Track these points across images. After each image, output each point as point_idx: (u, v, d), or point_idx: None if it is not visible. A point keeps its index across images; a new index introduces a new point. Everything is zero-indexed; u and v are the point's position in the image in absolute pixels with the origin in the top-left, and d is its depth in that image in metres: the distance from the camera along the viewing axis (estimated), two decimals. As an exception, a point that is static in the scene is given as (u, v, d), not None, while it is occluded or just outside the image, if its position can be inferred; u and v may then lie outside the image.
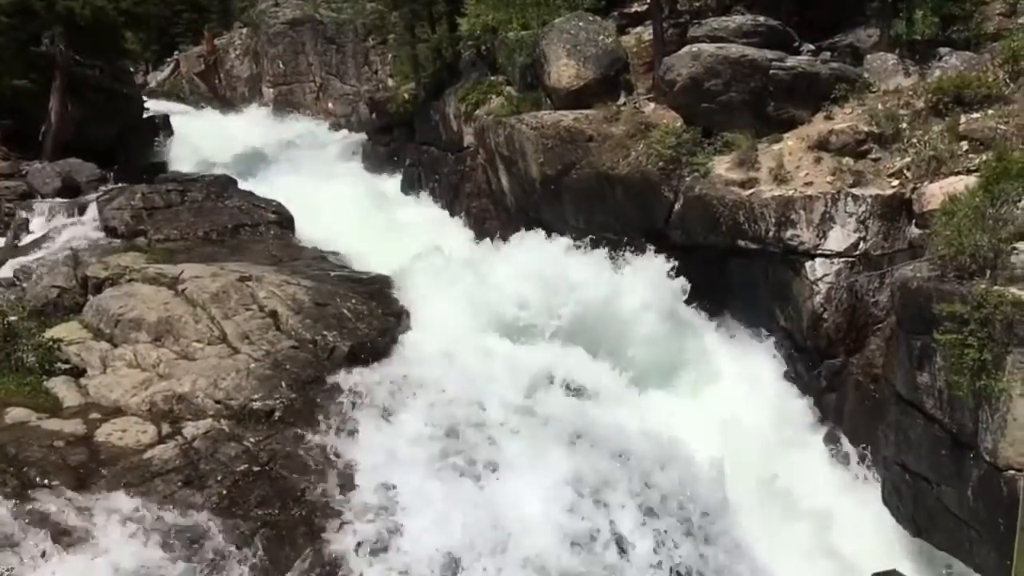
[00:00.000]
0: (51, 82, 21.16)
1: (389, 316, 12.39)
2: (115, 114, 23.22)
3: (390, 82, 30.19)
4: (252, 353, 10.97)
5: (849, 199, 11.98)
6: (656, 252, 14.18)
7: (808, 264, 12.12)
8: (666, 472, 10.76)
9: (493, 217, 19.19)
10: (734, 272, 13.46)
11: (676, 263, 13.83)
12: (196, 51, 38.60)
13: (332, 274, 13.90)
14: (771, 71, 13.53)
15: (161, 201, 16.54)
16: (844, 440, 12.03)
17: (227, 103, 36.62)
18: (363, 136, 28.23)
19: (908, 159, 12.22)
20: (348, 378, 10.95)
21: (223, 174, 21.22)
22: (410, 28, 23.95)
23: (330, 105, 34.38)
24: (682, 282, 13.73)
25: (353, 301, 12.32)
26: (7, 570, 7.87)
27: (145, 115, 26.76)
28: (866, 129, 12.74)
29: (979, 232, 9.45)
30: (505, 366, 12.08)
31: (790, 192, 12.39)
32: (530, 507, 9.79)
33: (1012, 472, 8.84)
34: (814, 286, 12.04)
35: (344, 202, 20.51)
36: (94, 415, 10.04)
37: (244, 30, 37.95)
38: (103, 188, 18.56)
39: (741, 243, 12.83)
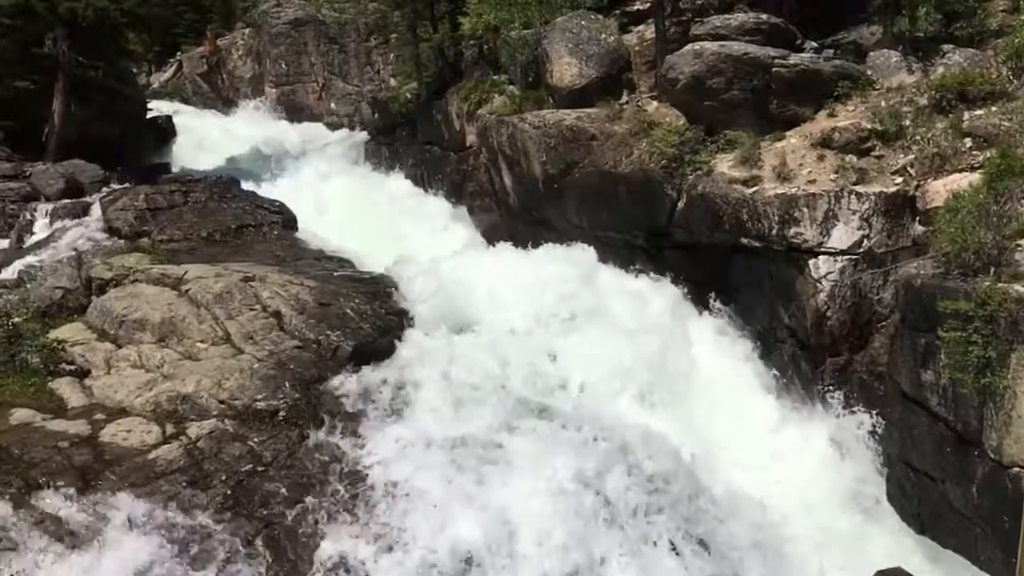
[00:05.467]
0: (54, 83, 21.22)
1: (392, 315, 12.39)
2: (118, 115, 23.27)
3: (392, 82, 30.23)
4: (256, 353, 10.98)
5: (852, 197, 11.96)
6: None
7: (812, 262, 12.10)
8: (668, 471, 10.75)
9: (495, 216, 19.20)
10: (737, 270, 13.44)
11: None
12: (198, 52, 38.60)
13: (335, 274, 13.90)
14: (774, 69, 13.51)
15: (164, 202, 16.55)
16: (847, 437, 12.00)
17: (230, 103, 36.64)
18: (365, 136, 28.26)
19: (911, 156, 12.21)
20: (352, 378, 10.94)
21: (226, 174, 21.25)
22: (412, 28, 23.98)
23: (332, 105, 34.39)
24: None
25: (356, 301, 12.32)
26: (14, 572, 7.88)
27: (148, 116, 26.82)
28: (869, 126, 12.73)
29: (983, 229, 9.44)
30: (511, 366, 12.07)
31: (793, 190, 12.38)
32: (538, 508, 9.73)
33: (1017, 469, 8.83)
34: (818, 284, 12.02)
35: (346, 201, 20.59)
36: (99, 416, 10.06)
37: (246, 30, 37.94)
38: (106, 189, 18.58)
39: (744, 241, 12.82)
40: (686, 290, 14.17)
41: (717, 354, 13.45)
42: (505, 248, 16.60)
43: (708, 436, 12.00)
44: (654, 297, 14.20)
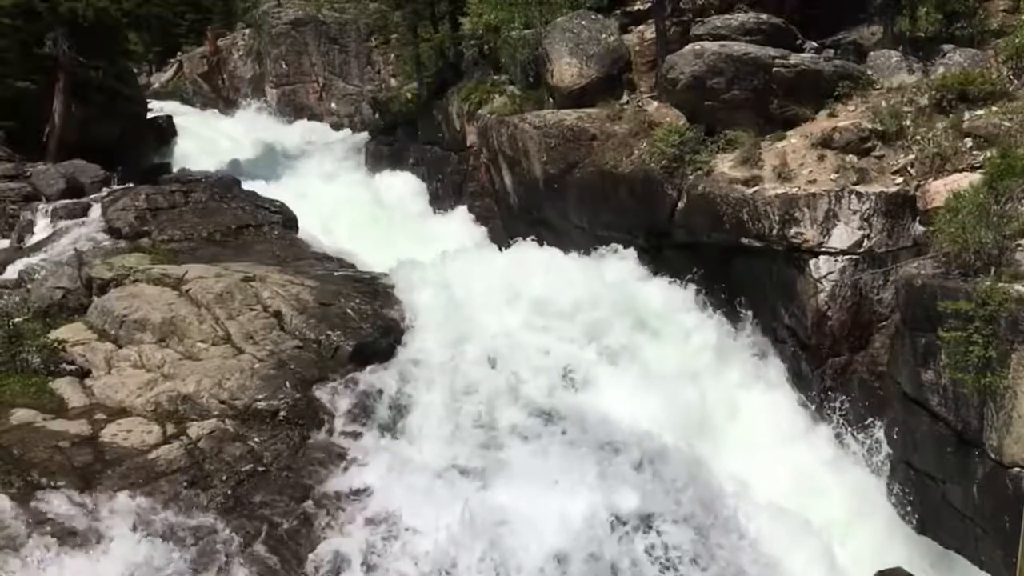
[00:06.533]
0: (54, 83, 21.26)
1: (393, 316, 12.38)
2: (118, 115, 23.32)
3: (393, 82, 30.31)
4: (256, 353, 10.98)
5: (853, 196, 11.95)
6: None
7: (812, 262, 12.09)
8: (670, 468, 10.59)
9: (496, 216, 19.22)
10: (739, 270, 13.44)
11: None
12: (199, 52, 38.67)
13: (336, 274, 13.92)
14: (774, 69, 13.51)
15: (165, 202, 16.57)
16: (848, 438, 12.00)
17: (230, 104, 36.69)
18: (366, 136, 28.30)
19: (912, 156, 12.20)
20: (352, 378, 10.92)
21: (227, 174, 21.26)
22: (413, 28, 24.05)
23: (333, 105, 34.44)
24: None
25: (357, 301, 12.32)
26: (14, 572, 7.88)
27: (148, 116, 26.85)
28: (870, 126, 12.72)
29: (983, 229, 9.43)
30: (513, 368, 11.95)
31: (794, 190, 12.38)
32: (536, 512, 9.46)
33: (1017, 469, 8.82)
34: (818, 284, 12.02)
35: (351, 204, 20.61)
36: (99, 416, 10.06)
37: (247, 31, 38.00)
38: (107, 189, 18.60)
39: (745, 241, 12.81)
40: (719, 300, 13.38)
41: (756, 381, 12.85)
42: (517, 251, 15.43)
43: (749, 475, 10.99)
44: (696, 332, 13.20)
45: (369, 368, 11.19)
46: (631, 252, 14.46)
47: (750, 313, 13.15)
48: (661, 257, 14.39)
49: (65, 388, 10.63)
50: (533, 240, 15.67)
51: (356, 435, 10.29)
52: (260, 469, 9.57)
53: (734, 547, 9.89)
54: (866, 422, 11.76)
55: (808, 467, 11.71)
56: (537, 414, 11.05)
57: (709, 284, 13.59)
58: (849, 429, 11.96)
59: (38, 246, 15.95)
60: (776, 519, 10.49)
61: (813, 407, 12.41)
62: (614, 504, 9.63)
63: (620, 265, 14.36)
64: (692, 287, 13.65)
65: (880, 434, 11.43)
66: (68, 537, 8.30)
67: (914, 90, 13.18)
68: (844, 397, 12.07)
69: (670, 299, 13.59)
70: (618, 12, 18.26)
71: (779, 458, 11.70)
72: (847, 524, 11.05)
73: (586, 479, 9.90)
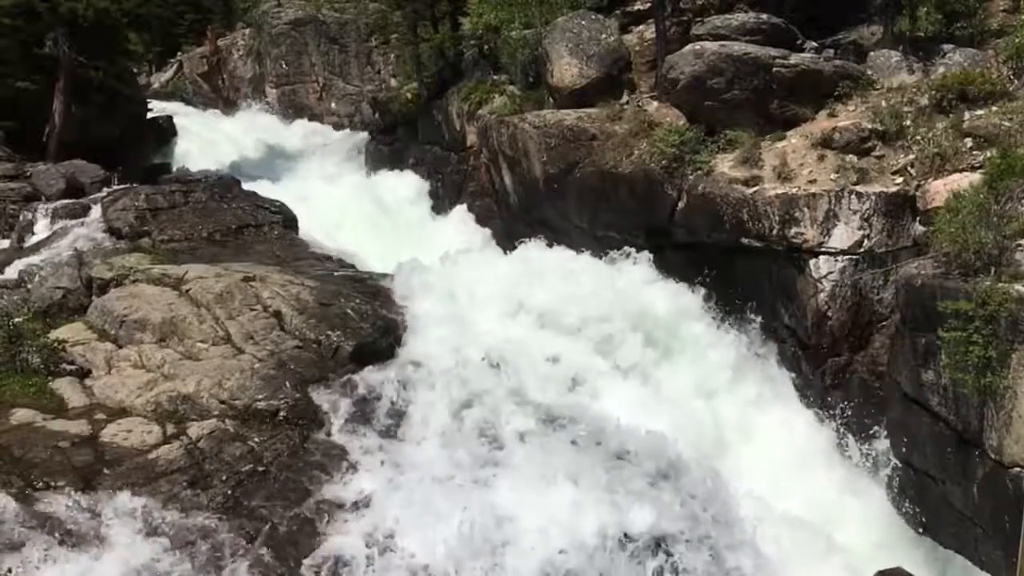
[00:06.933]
0: (54, 83, 21.25)
1: (392, 317, 12.38)
2: (118, 115, 23.32)
3: (393, 82, 30.31)
4: (256, 353, 10.98)
5: (853, 196, 11.96)
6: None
7: (812, 262, 12.11)
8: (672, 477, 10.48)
9: (496, 216, 19.21)
10: (739, 270, 13.44)
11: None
12: (199, 52, 38.66)
13: (336, 274, 13.94)
14: (774, 69, 13.52)
15: (165, 202, 16.55)
16: (849, 438, 12.00)
17: (230, 104, 36.68)
18: (366, 136, 28.30)
19: (912, 156, 12.22)
20: (352, 378, 10.92)
21: (227, 174, 21.26)
22: (413, 27, 24.06)
23: (333, 105, 34.44)
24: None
25: (357, 301, 12.32)
26: (14, 572, 7.88)
27: (149, 116, 26.85)
28: (870, 126, 12.73)
29: (983, 229, 9.43)
30: (512, 368, 11.89)
31: (794, 190, 12.39)
32: (535, 511, 9.39)
33: (1017, 469, 8.82)
34: (818, 284, 12.03)
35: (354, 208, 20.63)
36: (99, 416, 10.06)
37: (247, 30, 37.99)
38: (107, 189, 18.57)
39: (745, 241, 12.82)
40: (731, 305, 13.14)
41: (771, 394, 12.75)
42: (521, 253, 15.16)
43: (767, 492, 10.76)
44: (712, 349, 12.98)
45: (368, 369, 11.17)
46: (644, 255, 14.22)
47: (759, 318, 13.10)
48: (668, 261, 14.23)
49: (65, 388, 10.63)
50: (541, 240, 15.48)
51: (356, 437, 10.26)
52: (260, 469, 9.56)
53: (753, 568, 9.69)
54: (871, 431, 11.74)
55: (817, 482, 11.65)
56: (544, 422, 10.86)
57: (718, 288, 13.51)
58: (852, 437, 11.96)
59: (38, 246, 15.93)
60: (797, 539, 10.34)
61: (818, 411, 12.41)
62: (626, 521, 9.39)
63: (633, 270, 14.13)
64: (702, 291, 13.57)
65: (885, 443, 11.38)
66: (67, 537, 8.29)
67: (914, 90, 13.19)
68: (845, 402, 12.07)
69: (680, 307, 13.40)
70: (618, 12, 18.26)
71: (788, 468, 11.68)
72: (855, 533, 11.03)
73: (595, 492, 9.67)
